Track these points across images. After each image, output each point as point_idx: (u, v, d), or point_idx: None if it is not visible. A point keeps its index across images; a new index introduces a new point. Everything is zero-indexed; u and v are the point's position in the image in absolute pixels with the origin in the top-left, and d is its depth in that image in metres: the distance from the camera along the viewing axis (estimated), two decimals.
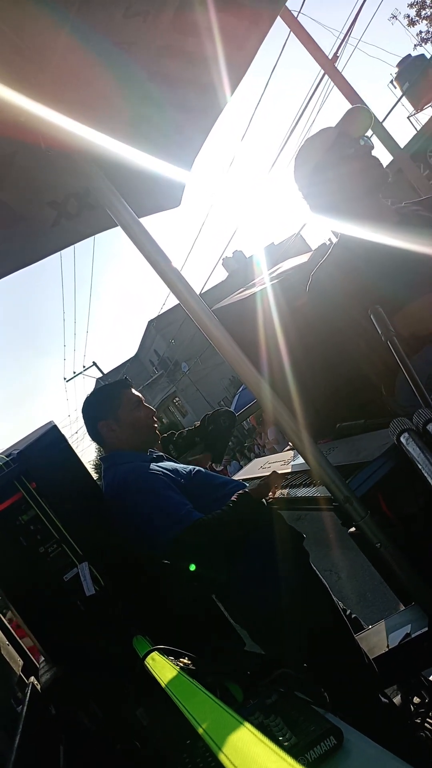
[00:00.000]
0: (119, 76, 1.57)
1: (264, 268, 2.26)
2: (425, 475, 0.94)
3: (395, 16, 18.83)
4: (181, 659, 1.12)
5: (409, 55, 16.03)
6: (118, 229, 1.62)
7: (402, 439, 1.02)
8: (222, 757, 0.63)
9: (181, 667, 0.98)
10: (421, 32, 18.50)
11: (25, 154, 1.58)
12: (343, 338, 1.59)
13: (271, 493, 1.84)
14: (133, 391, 2.03)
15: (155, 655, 1.13)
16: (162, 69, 1.65)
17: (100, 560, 1.63)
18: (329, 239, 1.92)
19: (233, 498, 1.72)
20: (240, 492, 1.75)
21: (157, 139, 1.84)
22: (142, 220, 1.61)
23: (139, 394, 2.04)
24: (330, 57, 9.23)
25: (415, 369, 1.51)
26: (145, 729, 1.42)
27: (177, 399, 33.51)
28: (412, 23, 18.65)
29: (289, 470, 1.99)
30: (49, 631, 1.66)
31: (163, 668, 0.99)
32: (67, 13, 1.27)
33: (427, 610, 1.50)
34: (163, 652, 1.15)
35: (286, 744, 0.93)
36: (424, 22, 18.37)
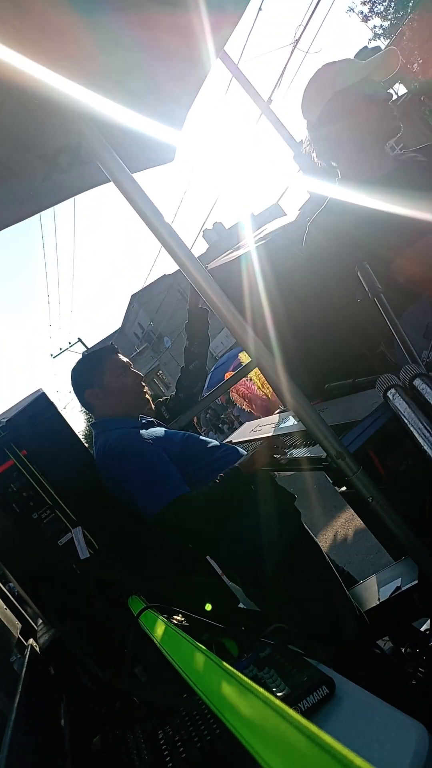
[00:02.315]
0: (107, 24, 1.50)
1: (249, 232, 2.22)
2: (412, 430, 0.94)
3: (352, 9, 21.35)
4: (175, 616, 1.13)
5: (366, 47, 16.50)
6: (104, 193, 1.58)
7: (389, 395, 1.02)
8: (214, 709, 0.64)
9: (174, 624, 1.00)
10: (375, 27, 20.47)
11: (12, 105, 1.52)
12: (331, 297, 1.57)
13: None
14: (120, 356, 2.00)
15: (149, 613, 1.14)
16: (152, 15, 1.58)
17: (94, 524, 1.64)
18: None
19: (222, 473, 1.71)
20: (231, 467, 1.74)
21: (146, 92, 1.78)
22: (135, 175, 1.56)
23: (126, 359, 2.01)
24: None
25: (412, 318, 1.49)
26: (144, 685, 1.46)
27: (160, 372, 33.79)
28: (365, 19, 20.59)
29: (280, 433, 1.99)
30: (46, 594, 1.68)
31: (156, 625, 1.00)
32: None
33: (417, 562, 1.52)
34: (157, 609, 1.16)
35: (279, 694, 0.96)
36: (378, 18, 20.23)
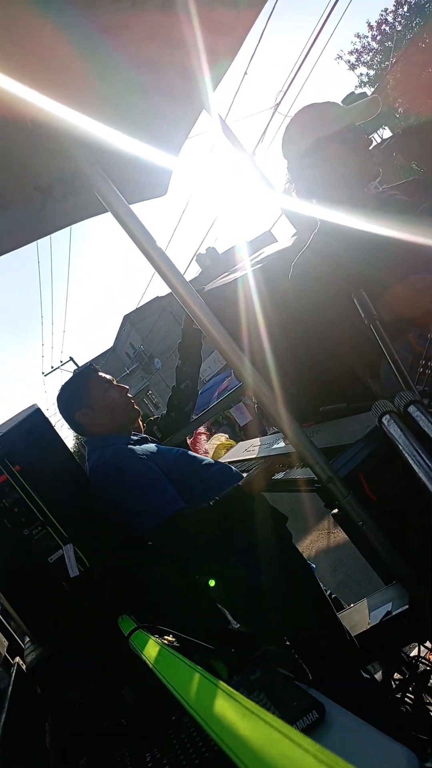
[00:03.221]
0: (104, 61, 1.54)
1: (245, 255, 2.25)
2: (406, 456, 0.95)
3: (340, 57, 22.10)
4: (166, 637, 1.13)
5: (353, 92, 17.52)
6: (97, 222, 1.61)
7: (384, 420, 1.03)
8: (207, 728, 0.64)
9: (165, 644, 1.00)
10: (361, 74, 21.94)
11: (9, 136, 1.55)
12: (325, 323, 1.59)
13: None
14: (101, 374, 2.00)
15: (140, 633, 1.14)
16: (148, 54, 1.62)
17: (85, 541, 1.63)
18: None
19: (224, 492, 1.70)
20: (234, 486, 1.73)
21: (142, 126, 1.82)
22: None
23: (108, 376, 2.02)
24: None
25: (397, 354, 1.52)
26: (132, 707, 1.44)
27: (150, 392, 34.01)
28: (352, 67, 21.98)
29: (272, 454, 2.00)
30: (34, 612, 1.66)
31: (147, 646, 1.00)
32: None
33: (408, 587, 1.53)
34: (147, 630, 1.16)
35: None
36: (363, 66, 21.68)
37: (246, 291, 1.82)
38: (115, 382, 2.02)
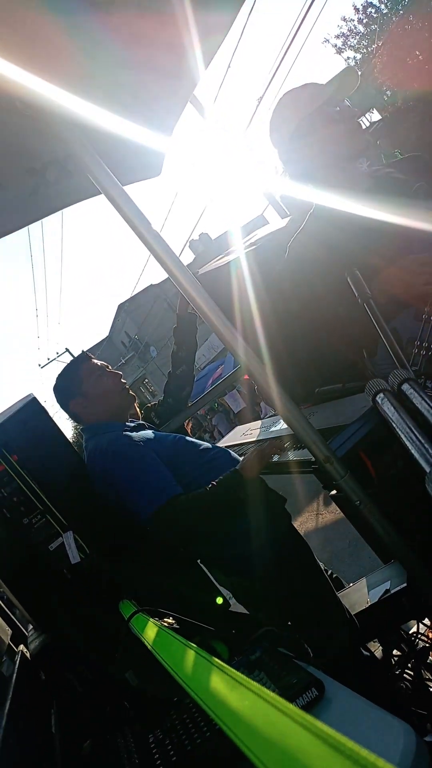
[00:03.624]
0: (94, 38, 1.52)
1: (238, 238, 2.23)
2: (400, 434, 0.95)
3: (327, 40, 22.22)
4: (165, 619, 1.14)
5: None
6: (90, 210, 1.59)
7: (378, 399, 1.03)
8: (204, 707, 0.64)
9: (165, 626, 1.00)
10: (348, 58, 22.09)
11: (1, 118, 1.53)
12: (319, 304, 1.58)
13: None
14: (94, 361, 2.00)
15: (140, 616, 1.15)
16: (140, 31, 1.59)
17: (84, 529, 1.64)
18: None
19: (222, 476, 1.70)
20: (232, 470, 1.72)
21: (134, 105, 1.80)
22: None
23: (101, 362, 2.02)
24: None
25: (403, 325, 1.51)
26: (134, 689, 1.46)
27: (146, 380, 34.11)
28: (339, 51, 22.24)
29: (270, 437, 2.00)
30: (37, 599, 1.68)
31: (147, 628, 1.01)
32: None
33: (405, 566, 1.54)
34: (147, 613, 1.17)
35: None
36: (350, 50, 21.94)
37: (239, 273, 1.81)
38: (109, 369, 2.01)
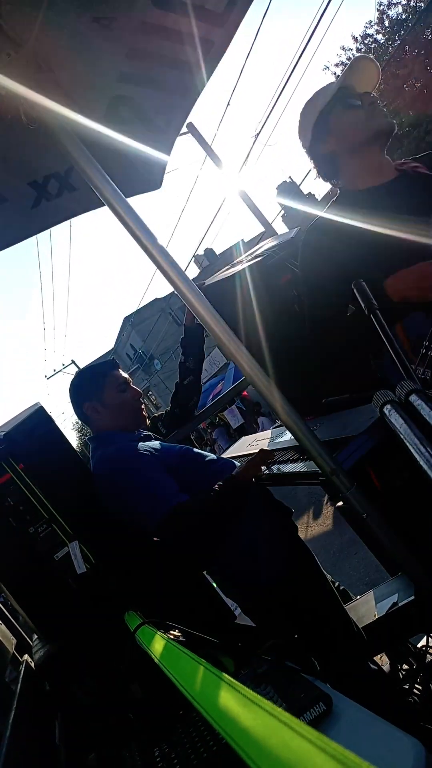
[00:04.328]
0: (97, 54, 1.54)
1: (243, 252, 2.25)
2: (408, 446, 0.95)
3: (327, 67, 21.93)
4: (172, 632, 1.13)
5: None
6: (99, 220, 1.61)
7: (385, 410, 1.03)
8: (212, 722, 0.64)
9: (171, 639, 1.00)
10: None
11: (4, 132, 1.55)
12: (325, 313, 1.58)
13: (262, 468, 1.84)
14: (120, 372, 2.00)
15: (146, 628, 1.14)
16: (141, 46, 1.61)
17: (90, 539, 1.64)
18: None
19: (220, 482, 1.71)
20: (228, 476, 1.74)
21: (135, 121, 1.82)
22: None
23: (126, 375, 2.02)
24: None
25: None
26: (139, 702, 1.45)
27: (150, 393, 34.33)
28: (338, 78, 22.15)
29: (277, 447, 2.00)
30: (41, 609, 1.67)
31: (153, 641, 1.00)
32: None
33: (413, 579, 1.53)
34: (153, 625, 1.16)
35: None
36: None
37: (244, 285, 1.82)
38: (131, 384, 2.01)
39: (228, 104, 11.50)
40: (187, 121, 1.97)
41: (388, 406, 1.01)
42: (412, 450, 0.94)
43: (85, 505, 1.72)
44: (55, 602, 1.65)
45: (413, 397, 0.99)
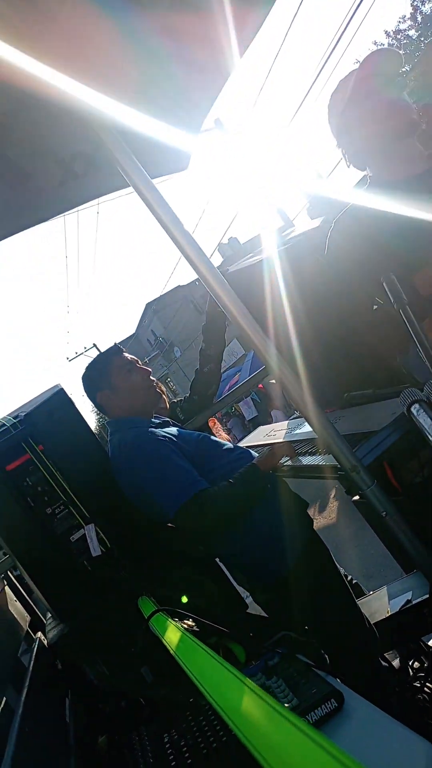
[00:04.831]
0: (128, 32, 1.51)
1: (272, 239, 2.21)
2: None
3: (358, 61, 21.20)
4: (185, 621, 1.13)
5: None
6: (125, 203, 1.59)
7: (413, 410, 1.01)
8: (225, 717, 0.64)
9: (185, 629, 1.00)
10: None
11: (31, 111, 1.53)
12: (354, 304, 1.55)
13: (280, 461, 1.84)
14: (125, 355, 1.99)
15: (160, 616, 1.15)
16: (173, 23, 1.58)
17: (106, 522, 1.65)
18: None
19: (241, 470, 1.71)
20: (249, 464, 1.74)
21: (164, 99, 1.78)
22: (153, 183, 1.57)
23: (132, 357, 2.02)
24: None
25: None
26: (149, 686, 1.46)
27: (169, 380, 34.49)
28: None
29: (295, 439, 1.98)
30: (56, 589, 1.69)
31: (168, 630, 1.01)
32: None
33: (429, 577, 1.51)
34: (168, 613, 1.17)
35: (287, 705, 0.95)
36: None
37: (271, 272, 1.79)
38: (139, 364, 2.01)
39: (255, 103, 11.32)
40: (215, 117, 1.94)
41: (416, 406, 0.99)
42: None
43: (102, 488, 1.73)
44: (70, 583, 1.67)
45: None
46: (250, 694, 0.61)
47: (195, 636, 1.01)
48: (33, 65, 1.31)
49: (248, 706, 0.59)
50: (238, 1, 1.58)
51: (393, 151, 1.63)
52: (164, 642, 0.94)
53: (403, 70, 1.65)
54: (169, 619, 1.09)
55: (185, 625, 1.09)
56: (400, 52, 1.70)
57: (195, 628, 1.11)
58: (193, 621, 1.14)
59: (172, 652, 0.86)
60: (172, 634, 0.96)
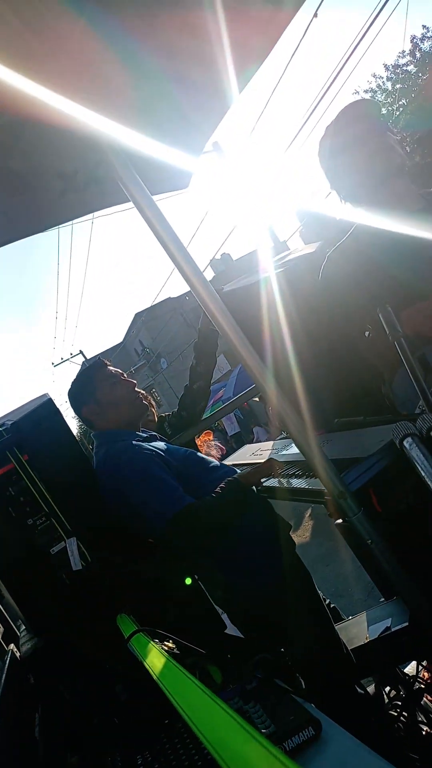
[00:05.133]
0: (136, 52, 1.53)
1: (268, 258, 2.23)
2: (429, 482, 0.94)
3: (357, 92, 21.80)
4: (166, 642, 1.12)
5: None
6: (115, 217, 1.60)
7: (405, 443, 1.02)
8: (206, 743, 0.63)
9: (166, 651, 0.99)
10: None
11: (37, 127, 1.54)
12: (349, 330, 1.57)
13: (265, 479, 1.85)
14: (109, 369, 2.00)
15: (141, 636, 1.13)
16: (181, 48, 1.60)
17: (88, 536, 1.63)
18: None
19: (222, 484, 1.72)
20: (229, 479, 1.75)
21: (169, 118, 1.81)
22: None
23: (116, 371, 2.02)
24: None
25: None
26: (123, 705, 1.44)
27: (154, 391, 34.58)
28: None
29: (282, 460, 1.99)
30: (33, 601, 1.66)
31: (150, 653, 0.99)
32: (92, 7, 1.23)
33: (409, 605, 1.52)
34: (147, 633, 1.15)
35: (264, 731, 0.95)
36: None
37: (269, 293, 1.80)
38: (124, 377, 2.01)
39: (253, 129, 11.54)
40: (214, 140, 1.98)
41: (409, 439, 1.00)
42: None
43: (86, 501, 1.72)
44: (48, 596, 1.65)
45: None
46: (231, 721, 0.61)
47: (174, 657, 1.00)
48: (40, 90, 1.33)
49: (229, 733, 0.58)
50: (244, 31, 1.62)
51: (384, 193, 1.66)
52: (146, 666, 0.93)
53: (384, 113, 1.70)
54: (150, 641, 1.08)
55: (165, 647, 1.08)
56: (378, 99, 1.77)
57: (175, 651, 1.10)
58: (174, 643, 1.13)
59: (154, 676, 0.85)
60: (154, 657, 0.95)
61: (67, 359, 32.38)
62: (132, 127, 1.64)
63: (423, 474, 0.94)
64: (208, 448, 2.67)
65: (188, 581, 1.69)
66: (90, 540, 1.63)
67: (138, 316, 36.97)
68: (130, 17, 1.39)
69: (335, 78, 9.97)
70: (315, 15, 7.54)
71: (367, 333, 1.54)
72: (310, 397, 1.75)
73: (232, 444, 13.79)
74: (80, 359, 31.48)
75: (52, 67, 1.32)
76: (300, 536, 5.93)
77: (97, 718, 1.42)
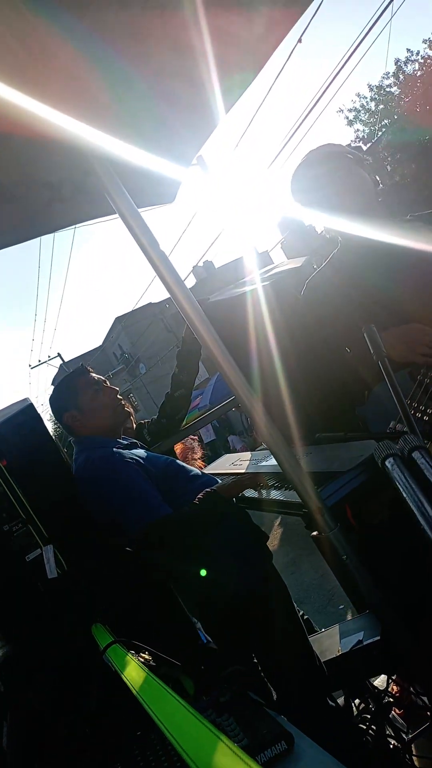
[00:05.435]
0: (125, 70, 1.54)
1: (254, 268, 2.25)
2: (410, 504, 0.96)
3: (342, 110, 23.54)
4: (142, 654, 1.12)
5: (349, 145, 18.83)
6: (98, 224, 1.61)
7: (387, 463, 1.04)
8: (185, 757, 0.64)
9: (142, 662, 0.99)
10: (357, 131, 23.59)
11: (23, 138, 1.54)
12: (333, 346, 1.60)
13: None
14: (91, 375, 2.00)
15: (117, 648, 1.13)
16: (171, 67, 1.62)
17: (65, 544, 1.62)
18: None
19: (200, 495, 1.72)
20: (208, 490, 1.75)
21: (156, 134, 1.82)
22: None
23: (98, 377, 2.02)
24: None
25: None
26: (95, 715, 1.42)
27: (131, 395, 34.47)
28: (350, 123, 23.73)
29: (260, 471, 2.00)
30: (5, 607, 1.64)
31: (127, 666, 0.99)
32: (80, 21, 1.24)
33: (381, 619, 1.53)
34: (123, 645, 1.15)
35: (237, 744, 0.95)
36: (360, 123, 23.48)
37: (255, 305, 1.82)
38: (106, 384, 2.01)
39: (236, 145, 11.67)
40: (199, 153, 2.01)
41: (391, 460, 1.02)
42: (414, 508, 0.95)
43: (64, 509, 1.70)
44: (20, 603, 1.63)
45: (417, 454, 1.00)
46: (209, 734, 0.61)
47: (150, 669, 1.00)
48: (27, 101, 1.33)
49: (208, 746, 0.59)
50: (236, 49, 1.64)
51: (359, 224, 1.71)
52: (124, 678, 0.93)
53: (350, 158, 1.75)
54: (127, 653, 1.08)
55: (141, 659, 1.08)
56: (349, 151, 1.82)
57: (152, 662, 1.10)
58: (150, 655, 1.13)
59: (134, 690, 0.85)
60: (134, 672, 0.95)
61: (45, 362, 32.12)
62: (120, 139, 1.65)
63: (404, 495, 0.96)
64: (191, 447, 2.68)
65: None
66: (67, 546, 1.62)
67: (118, 320, 36.97)
68: (120, 37, 1.40)
69: (317, 101, 10.17)
70: (299, 41, 7.66)
71: (348, 350, 1.57)
72: (293, 410, 1.78)
73: (207, 452, 13.93)
74: (58, 362, 31.27)
75: (39, 79, 1.33)
76: (269, 543, 5.97)
77: (66, 728, 1.41)
